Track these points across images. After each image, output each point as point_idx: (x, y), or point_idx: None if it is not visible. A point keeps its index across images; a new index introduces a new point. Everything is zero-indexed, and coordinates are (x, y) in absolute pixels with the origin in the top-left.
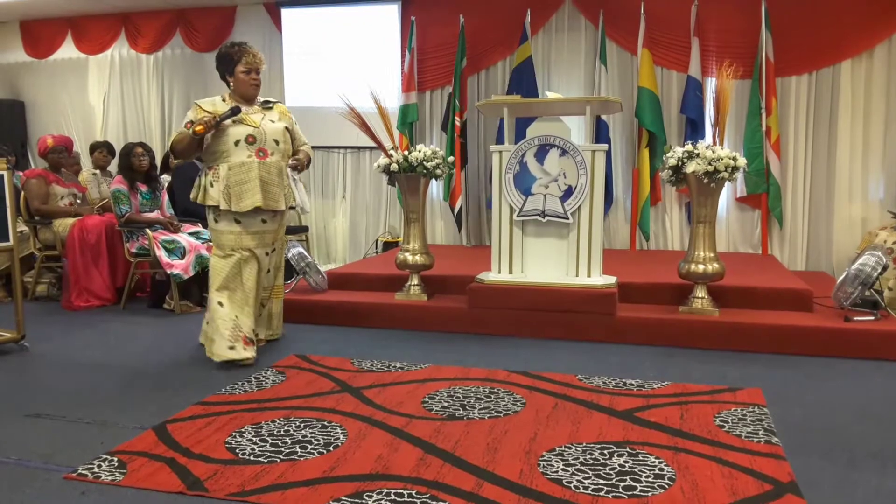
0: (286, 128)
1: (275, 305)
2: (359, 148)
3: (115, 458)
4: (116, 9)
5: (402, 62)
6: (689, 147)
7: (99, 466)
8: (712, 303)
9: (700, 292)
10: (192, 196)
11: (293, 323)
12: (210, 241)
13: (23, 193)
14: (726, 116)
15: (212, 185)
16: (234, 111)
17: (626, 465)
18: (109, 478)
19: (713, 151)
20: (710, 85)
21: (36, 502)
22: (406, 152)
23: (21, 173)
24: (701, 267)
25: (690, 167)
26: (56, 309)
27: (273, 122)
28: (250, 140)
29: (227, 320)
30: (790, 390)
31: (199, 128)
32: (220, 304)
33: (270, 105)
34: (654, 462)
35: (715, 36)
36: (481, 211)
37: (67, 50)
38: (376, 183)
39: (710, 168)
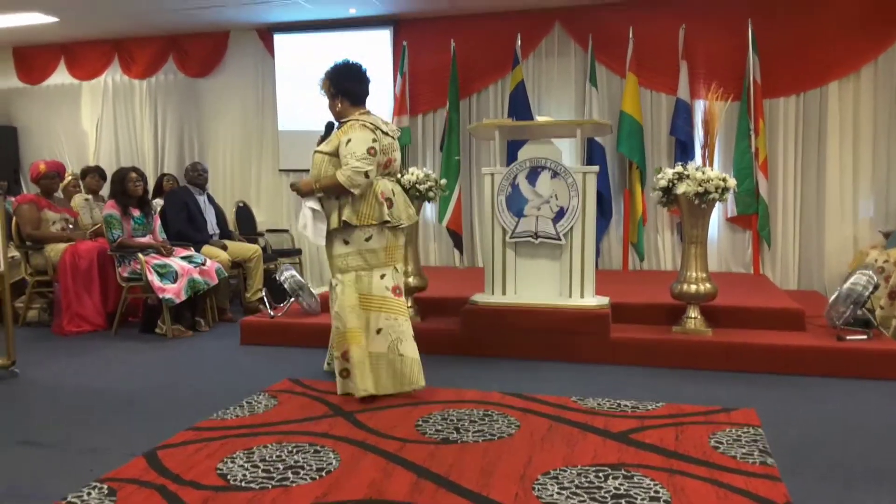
0: (317, 151)
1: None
2: None
3: (105, 486)
4: (109, 35)
5: (394, 86)
6: (679, 168)
7: (88, 494)
8: (705, 323)
9: (693, 312)
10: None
11: (286, 346)
12: (203, 265)
13: (14, 219)
14: (715, 138)
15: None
16: (327, 127)
17: (622, 487)
18: None
19: (703, 173)
20: (699, 107)
21: None
22: (399, 175)
23: (13, 199)
24: (693, 287)
25: (681, 188)
26: (47, 334)
27: (319, 149)
28: None
29: None
30: (784, 410)
31: None
32: None
33: (342, 125)
34: (649, 484)
35: (703, 59)
36: (474, 232)
37: (60, 76)
38: None
39: (701, 189)
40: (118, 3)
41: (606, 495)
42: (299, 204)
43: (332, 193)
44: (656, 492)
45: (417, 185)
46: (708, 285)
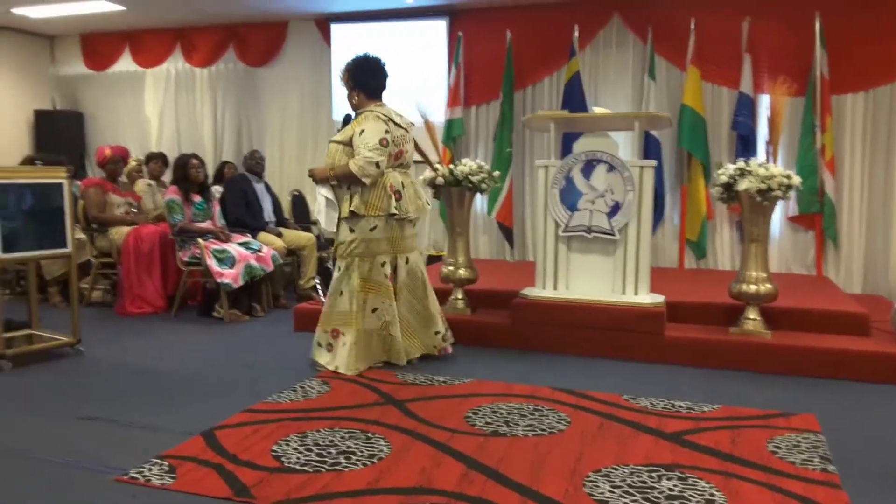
0: (332, 141)
1: None
2: None
3: (165, 462)
4: (172, 24)
5: (448, 77)
6: (741, 164)
7: (149, 470)
8: (764, 325)
9: (752, 313)
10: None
11: None
12: (259, 251)
13: (81, 202)
14: (780, 134)
15: None
16: (345, 120)
17: (676, 489)
18: (159, 481)
19: (766, 169)
20: (763, 102)
21: (88, 503)
22: (451, 166)
23: (79, 182)
24: (753, 287)
25: (743, 185)
26: (110, 314)
27: (334, 139)
28: None
29: None
30: (846, 417)
31: None
32: None
33: (357, 116)
34: (704, 487)
35: (767, 52)
36: (525, 226)
37: (125, 63)
38: None
39: (764, 186)
40: None
41: (660, 496)
42: None
43: (344, 182)
44: (711, 495)
45: (470, 177)
46: (768, 286)
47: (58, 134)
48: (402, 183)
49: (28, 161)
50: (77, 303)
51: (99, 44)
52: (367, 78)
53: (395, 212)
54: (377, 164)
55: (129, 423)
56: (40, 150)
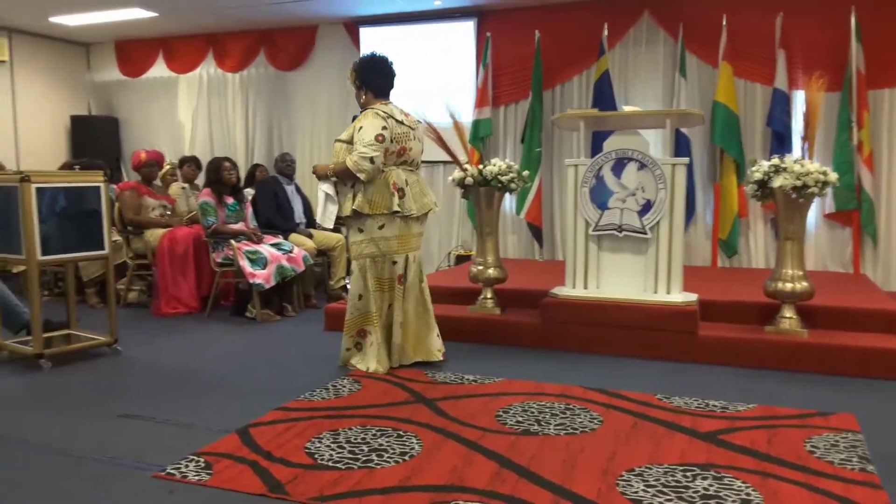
0: (337, 140)
1: None
2: (432, 162)
3: (202, 459)
4: (205, 30)
5: (477, 78)
6: (775, 161)
7: (186, 466)
8: (801, 323)
9: (788, 312)
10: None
11: None
12: (290, 252)
13: (117, 205)
14: (815, 130)
15: None
16: (353, 120)
17: (711, 488)
18: (196, 478)
19: (801, 165)
20: (797, 97)
21: (127, 499)
22: (480, 166)
23: (115, 186)
24: (789, 285)
25: (777, 182)
26: (146, 315)
27: (339, 138)
28: None
29: None
30: (885, 416)
31: None
32: None
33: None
34: (740, 487)
35: (802, 47)
36: (554, 225)
37: (159, 69)
38: (449, 197)
39: (799, 183)
40: None
41: (695, 496)
42: None
43: (343, 178)
44: (748, 494)
45: (500, 177)
46: (804, 283)
47: (94, 139)
48: (407, 180)
49: (67, 167)
50: (114, 303)
51: (133, 51)
52: (373, 77)
53: (398, 209)
54: (371, 160)
55: (166, 421)
56: (77, 155)
